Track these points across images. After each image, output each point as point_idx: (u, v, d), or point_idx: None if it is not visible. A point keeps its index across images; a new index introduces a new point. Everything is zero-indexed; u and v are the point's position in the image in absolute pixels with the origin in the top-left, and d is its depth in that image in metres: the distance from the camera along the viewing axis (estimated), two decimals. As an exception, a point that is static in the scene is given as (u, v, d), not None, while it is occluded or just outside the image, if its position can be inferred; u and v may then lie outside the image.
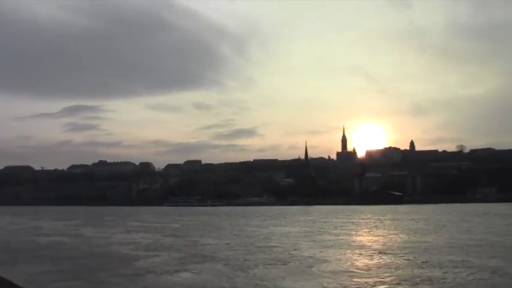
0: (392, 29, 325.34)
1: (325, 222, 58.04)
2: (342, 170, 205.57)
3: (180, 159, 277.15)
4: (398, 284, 16.62)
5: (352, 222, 56.09)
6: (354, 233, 40.47)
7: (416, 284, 16.58)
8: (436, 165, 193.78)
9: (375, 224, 52.09)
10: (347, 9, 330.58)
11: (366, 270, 19.43)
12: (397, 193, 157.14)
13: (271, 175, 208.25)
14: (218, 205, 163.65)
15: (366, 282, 16.81)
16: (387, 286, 16.23)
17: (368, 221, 59.41)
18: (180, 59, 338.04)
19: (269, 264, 22.08)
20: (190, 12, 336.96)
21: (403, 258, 23.24)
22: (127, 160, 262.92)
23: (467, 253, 24.38)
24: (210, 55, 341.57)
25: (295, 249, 27.63)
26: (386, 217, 67.78)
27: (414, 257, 23.31)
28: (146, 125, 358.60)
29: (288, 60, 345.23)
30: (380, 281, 16.97)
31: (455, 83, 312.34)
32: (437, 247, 27.48)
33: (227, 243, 32.46)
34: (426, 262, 21.64)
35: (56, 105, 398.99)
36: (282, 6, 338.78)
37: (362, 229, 45.06)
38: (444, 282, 16.84)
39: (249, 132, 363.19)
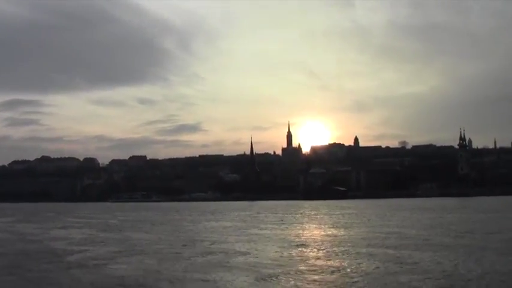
0: (335, 27, 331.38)
1: (260, 217, 59.41)
2: (287, 166, 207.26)
3: (124, 155, 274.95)
4: (302, 273, 17.75)
5: (287, 217, 57.47)
6: (283, 227, 41.65)
7: (321, 273, 17.73)
8: (379, 161, 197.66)
9: (307, 219, 53.70)
10: (290, 6, 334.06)
11: (278, 262, 20.47)
12: (341, 188, 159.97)
13: (216, 171, 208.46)
14: (163, 201, 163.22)
15: (273, 273, 17.80)
16: (291, 275, 17.24)
17: (302, 216, 61.02)
18: (124, 54, 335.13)
19: (195, 257, 22.95)
20: (135, 7, 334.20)
21: (318, 250, 24.58)
22: (71, 156, 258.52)
23: (379, 245, 25.79)
24: (155, 50, 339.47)
25: (221, 243, 28.71)
26: (321, 212, 69.70)
27: (328, 249, 24.73)
28: (88, 120, 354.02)
29: (232, 56, 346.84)
30: (286, 272, 18.02)
31: (396, 81, 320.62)
32: (353, 240, 29.00)
33: (159, 238, 33.33)
34: (337, 253, 23.05)
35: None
36: (227, 2, 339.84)
37: (293, 224, 46.31)
38: (346, 271, 18.06)
39: (192, 128, 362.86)
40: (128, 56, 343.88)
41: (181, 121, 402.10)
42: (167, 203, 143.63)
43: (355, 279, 16.20)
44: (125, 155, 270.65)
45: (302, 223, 47.18)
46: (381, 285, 15.15)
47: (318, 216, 58.21)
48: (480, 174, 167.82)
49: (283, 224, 46.19)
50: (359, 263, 19.69)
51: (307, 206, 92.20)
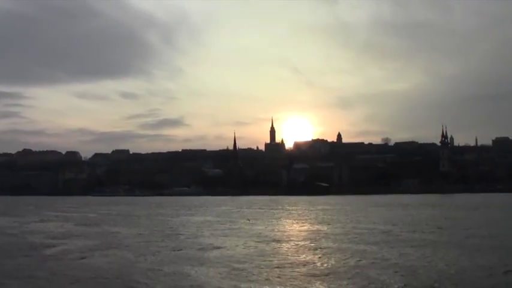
0: (319, 23, 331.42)
1: (239, 212, 59.98)
2: (270, 161, 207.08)
3: (106, 149, 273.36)
4: (273, 267, 18.23)
5: (266, 212, 58.17)
6: (260, 222, 42.21)
7: (291, 267, 18.18)
8: (362, 158, 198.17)
9: (286, 214, 54.31)
10: (275, 2, 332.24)
11: (251, 256, 20.98)
12: (324, 184, 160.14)
13: (199, 165, 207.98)
14: (146, 195, 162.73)
15: (244, 267, 18.29)
16: (263, 269, 17.73)
17: (281, 211, 61.65)
18: (106, 47, 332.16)
19: (171, 250, 23.45)
20: (118, 0, 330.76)
21: (291, 245, 25.12)
22: (52, 149, 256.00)
23: (351, 241, 26.38)
24: (138, 44, 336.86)
25: (196, 237, 29.25)
26: (301, 207, 70.32)
27: (301, 244, 25.25)
28: (70, 114, 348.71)
29: (216, 51, 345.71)
30: (258, 265, 18.54)
31: (379, 78, 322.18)
32: (327, 235, 29.61)
33: (137, 232, 33.68)
34: (310, 248, 23.61)
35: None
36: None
37: (270, 219, 46.93)
38: (316, 265, 18.61)
39: (175, 122, 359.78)
40: (111, 49, 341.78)
41: (164, 115, 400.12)
42: (150, 198, 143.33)
43: (324, 273, 16.71)
44: (107, 149, 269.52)
45: (279, 218, 47.70)
46: (348, 279, 15.57)
47: (297, 212, 58.76)
48: (461, 171, 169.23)
49: (260, 219, 46.72)
50: (329, 258, 20.21)
51: (288, 202, 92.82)
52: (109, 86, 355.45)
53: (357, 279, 15.53)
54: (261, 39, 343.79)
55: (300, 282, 15.12)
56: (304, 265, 18.44)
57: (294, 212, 59.49)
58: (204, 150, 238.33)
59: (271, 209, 67.28)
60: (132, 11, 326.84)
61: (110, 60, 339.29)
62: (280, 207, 72.69)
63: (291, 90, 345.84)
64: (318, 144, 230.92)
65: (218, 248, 24.03)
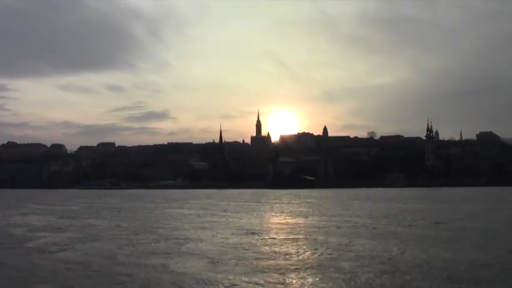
0: (305, 17, 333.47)
1: (222, 205, 60.26)
2: (256, 155, 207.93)
3: (91, 142, 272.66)
4: (249, 259, 18.47)
5: (248, 205, 58.63)
6: (241, 215, 42.52)
7: (268, 259, 18.46)
8: (347, 151, 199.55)
9: (268, 207, 54.71)
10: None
11: (229, 249, 21.23)
12: (309, 178, 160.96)
13: (185, 158, 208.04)
14: (132, 188, 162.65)
15: (222, 259, 18.53)
16: (240, 261, 17.97)
17: (264, 204, 62.15)
18: (92, 40, 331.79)
19: (151, 243, 23.63)
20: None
21: (270, 237, 25.45)
22: (37, 142, 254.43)
23: (329, 233, 26.73)
24: (124, 36, 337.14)
25: (176, 230, 29.56)
26: (284, 200, 70.96)
27: (279, 237, 25.61)
28: (55, 106, 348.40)
29: (202, 45, 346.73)
30: (235, 257, 18.78)
31: (365, 72, 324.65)
32: (306, 228, 30.03)
33: (119, 225, 33.86)
34: (287, 240, 23.85)
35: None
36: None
37: (251, 212, 47.30)
38: (292, 257, 18.87)
39: (161, 115, 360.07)
40: (96, 41, 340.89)
41: (149, 108, 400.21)
42: (135, 191, 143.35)
43: (299, 265, 16.98)
44: (92, 142, 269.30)
45: (261, 211, 48.06)
46: (322, 271, 15.85)
47: (279, 205, 59.18)
48: (446, 165, 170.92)
49: (242, 212, 47.13)
50: (306, 250, 20.55)
51: (272, 195, 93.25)
52: (94, 78, 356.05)
53: (331, 271, 15.81)
54: (247, 32, 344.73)
55: (275, 274, 15.35)
56: (280, 257, 18.73)
57: (276, 205, 59.86)
58: (190, 143, 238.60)
59: (254, 202, 67.73)
60: (118, 3, 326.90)
61: (95, 52, 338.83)
62: (263, 200, 73.14)
63: (276, 84, 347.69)
64: (304, 138, 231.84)
65: (197, 240, 24.30)
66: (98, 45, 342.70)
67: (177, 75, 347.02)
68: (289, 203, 63.18)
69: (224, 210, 49.02)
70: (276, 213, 45.51)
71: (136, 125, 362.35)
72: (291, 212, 46.93)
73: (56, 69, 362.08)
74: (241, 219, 38.01)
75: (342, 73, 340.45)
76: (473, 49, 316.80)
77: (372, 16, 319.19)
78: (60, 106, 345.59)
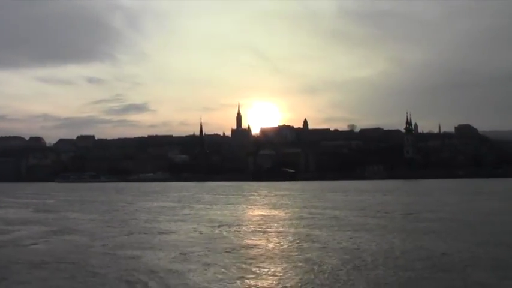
0: (286, 10, 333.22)
1: (198, 197, 60.71)
2: (237, 147, 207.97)
3: (70, 134, 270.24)
4: (220, 250, 18.80)
5: (225, 198, 59.13)
6: (216, 207, 42.98)
7: (238, 250, 18.83)
8: (328, 144, 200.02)
9: (244, 200, 55.21)
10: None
11: (200, 241, 21.55)
12: (290, 170, 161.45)
13: (165, 151, 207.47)
14: (112, 181, 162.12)
15: (193, 251, 18.86)
16: (210, 252, 18.32)
17: (241, 196, 62.51)
18: (71, 31, 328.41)
19: (124, 235, 23.91)
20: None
21: (242, 229, 25.74)
22: (15, 135, 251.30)
23: (300, 225, 27.19)
24: (103, 28, 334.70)
25: (151, 222, 29.87)
26: (261, 193, 71.34)
27: (251, 229, 25.95)
28: (33, 99, 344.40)
29: (182, 36, 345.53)
30: (206, 249, 19.15)
31: (345, 65, 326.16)
32: (278, 220, 30.50)
33: (93, 217, 34.16)
34: (258, 232, 24.27)
35: None
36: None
37: (227, 204, 47.75)
38: (261, 248, 19.22)
39: (140, 108, 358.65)
40: (75, 33, 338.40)
41: (129, 101, 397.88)
42: (115, 184, 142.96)
43: (268, 256, 17.37)
44: (71, 135, 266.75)
45: (236, 204, 48.39)
46: (290, 262, 16.22)
47: (255, 198, 59.71)
48: (425, 157, 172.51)
49: (217, 204, 47.56)
50: (274, 241, 20.96)
51: (249, 187, 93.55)
52: (73, 70, 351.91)
53: (296, 261, 16.18)
54: (228, 25, 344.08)
55: (242, 265, 15.67)
56: (250, 248, 19.08)
57: (252, 197, 60.31)
58: (171, 136, 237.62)
59: (231, 194, 68.07)
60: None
61: (75, 44, 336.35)
62: (240, 193, 73.52)
63: (257, 77, 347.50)
64: (285, 131, 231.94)
65: (171, 232, 24.61)
66: (77, 37, 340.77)
67: (156, 67, 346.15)
68: (265, 196, 63.60)
69: (200, 203, 49.32)
70: (251, 205, 45.84)
71: (116, 117, 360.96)
72: (265, 204, 47.38)
73: (34, 61, 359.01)
74: (216, 211, 38.35)
75: (323, 66, 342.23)
76: (451, 43, 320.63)
77: (352, 10, 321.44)
78: (39, 99, 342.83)
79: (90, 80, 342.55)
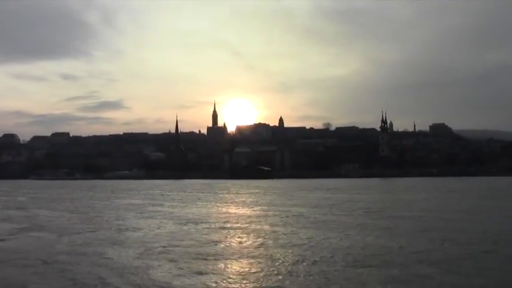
0: (261, 7, 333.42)
1: (170, 195, 60.90)
2: (212, 145, 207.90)
3: (44, 131, 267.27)
4: (184, 247, 19.28)
5: (197, 195, 59.65)
6: (184, 205, 43.39)
7: (201, 246, 19.32)
8: (303, 142, 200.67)
9: (215, 197, 55.69)
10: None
11: (166, 237, 22.03)
12: (265, 168, 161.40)
13: (141, 149, 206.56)
14: (87, 179, 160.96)
15: (157, 247, 19.32)
16: (174, 249, 18.73)
17: (213, 194, 62.91)
18: (45, 27, 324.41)
19: (92, 232, 24.28)
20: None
21: (206, 226, 26.24)
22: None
23: (264, 222, 27.83)
24: (78, 24, 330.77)
25: (118, 219, 30.34)
26: (234, 191, 71.87)
27: (215, 225, 26.56)
28: (6, 95, 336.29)
29: (157, 33, 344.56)
30: (170, 245, 19.56)
31: (320, 63, 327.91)
32: (242, 217, 31.17)
33: (64, 215, 34.34)
34: (222, 229, 24.84)
35: None
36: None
37: (196, 202, 48.14)
38: (222, 245, 19.81)
39: (114, 105, 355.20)
40: (50, 29, 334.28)
41: (103, 98, 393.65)
42: (90, 181, 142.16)
43: (228, 252, 17.90)
44: (45, 132, 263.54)
45: (207, 201, 48.79)
46: (251, 257, 16.78)
47: (227, 195, 60.10)
48: (400, 156, 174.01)
49: (188, 201, 48.05)
50: (238, 238, 21.51)
51: (222, 185, 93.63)
52: (47, 67, 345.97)
53: (259, 257, 16.69)
54: (203, 22, 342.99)
55: (202, 261, 16.16)
56: (211, 245, 19.57)
57: (223, 195, 60.57)
58: (146, 133, 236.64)
59: (203, 192, 68.47)
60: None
61: (48, 40, 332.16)
62: (212, 190, 73.76)
63: (233, 74, 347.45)
64: (260, 129, 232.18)
65: (136, 229, 25.04)
66: (52, 33, 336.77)
67: (131, 64, 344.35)
68: (236, 193, 64.17)
69: (171, 201, 49.66)
70: (220, 203, 46.15)
71: (90, 114, 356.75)
72: (235, 202, 47.98)
73: (7, 57, 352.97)
74: (185, 209, 38.80)
75: (298, 64, 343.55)
76: (425, 42, 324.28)
77: (327, 8, 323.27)
78: (12, 95, 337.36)
79: (65, 77, 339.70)
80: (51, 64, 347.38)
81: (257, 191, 70.84)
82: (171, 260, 16.28)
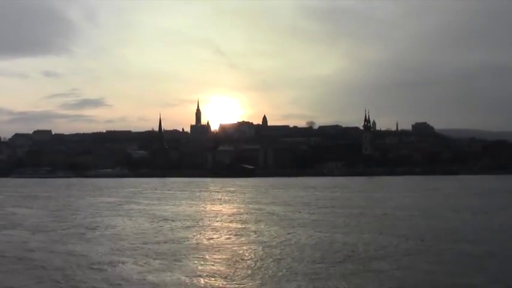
0: (243, 6, 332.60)
1: (148, 193, 60.92)
2: (196, 143, 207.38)
3: (25, 129, 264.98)
4: (154, 244, 19.63)
5: (174, 194, 59.84)
6: (161, 203, 43.63)
7: (172, 243, 19.71)
8: (287, 140, 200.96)
9: (193, 195, 55.86)
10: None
11: (138, 235, 22.33)
12: (249, 166, 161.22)
13: (124, 147, 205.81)
14: (69, 177, 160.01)
15: (128, 244, 19.69)
16: (145, 246, 19.07)
17: (192, 192, 63.09)
18: (26, 23, 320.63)
19: (65, 229, 24.56)
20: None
21: (179, 224, 26.59)
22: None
23: (237, 220, 28.31)
24: (59, 20, 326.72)
25: (93, 217, 30.61)
26: (213, 189, 71.95)
27: (188, 223, 26.85)
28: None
29: (140, 31, 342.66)
30: (142, 242, 19.95)
31: (303, 62, 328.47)
32: (216, 215, 31.65)
33: (39, 213, 34.64)
34: (194, 227, 25.26)
35: None
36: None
37: (173, 200, 48.54)
38: (193, 241, 20.20)
39: (96, 103, 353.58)
40: (31, 25, 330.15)
41: (85, 95, 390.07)
42: (71, 179, 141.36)
43: (200, 248, 18.35)
44: (27, 129, 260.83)
45: (184, 199, 48.99)
46: (221, 254, 17.19)
47: (205, 194, 60.19)
48: (383, 154, 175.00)
49: (165, 200, 48.30)
50: (211, 235, 21.89)
51: (201, 183, 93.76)
52: (28, 63, 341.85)
53: (229, 254, 17.09)
54: (185, 20, 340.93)
55: (171, 257, 16.52)
56: (182, 241, 19.98)
57: (201, 193, 60.65)
58: (129, 131, 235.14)
59: (182, 190, 68.57)
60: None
61: (30, 36, 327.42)
62: (192, 188, 73.91)
63: (215, 73, 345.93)
64: (244, 127, 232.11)
65: (110, 227, 25.33)
66: (33, 29, 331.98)
67: (114, 61, 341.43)
68: (215, 192, 64.25)
69: (148, 199, 49.78)
70: (197, 201, 46.37)
71: (72, 112, 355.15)
72: (212, 200, 48.30)
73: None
74: (161, 207, 38.94)
75: (281, 63, 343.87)
76: (408, 41, 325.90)
77: (310, 7, 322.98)
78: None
79: (46, 74, 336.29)
80: (32, 61, 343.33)
81: (236, 189, 71.10)
82: (141, 257, 16.56)
